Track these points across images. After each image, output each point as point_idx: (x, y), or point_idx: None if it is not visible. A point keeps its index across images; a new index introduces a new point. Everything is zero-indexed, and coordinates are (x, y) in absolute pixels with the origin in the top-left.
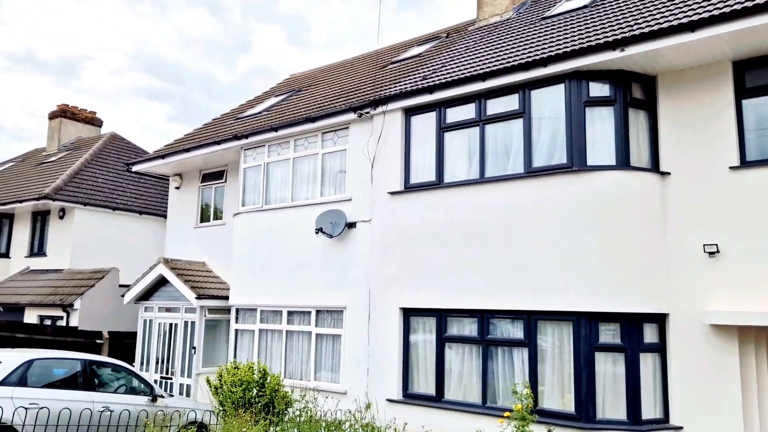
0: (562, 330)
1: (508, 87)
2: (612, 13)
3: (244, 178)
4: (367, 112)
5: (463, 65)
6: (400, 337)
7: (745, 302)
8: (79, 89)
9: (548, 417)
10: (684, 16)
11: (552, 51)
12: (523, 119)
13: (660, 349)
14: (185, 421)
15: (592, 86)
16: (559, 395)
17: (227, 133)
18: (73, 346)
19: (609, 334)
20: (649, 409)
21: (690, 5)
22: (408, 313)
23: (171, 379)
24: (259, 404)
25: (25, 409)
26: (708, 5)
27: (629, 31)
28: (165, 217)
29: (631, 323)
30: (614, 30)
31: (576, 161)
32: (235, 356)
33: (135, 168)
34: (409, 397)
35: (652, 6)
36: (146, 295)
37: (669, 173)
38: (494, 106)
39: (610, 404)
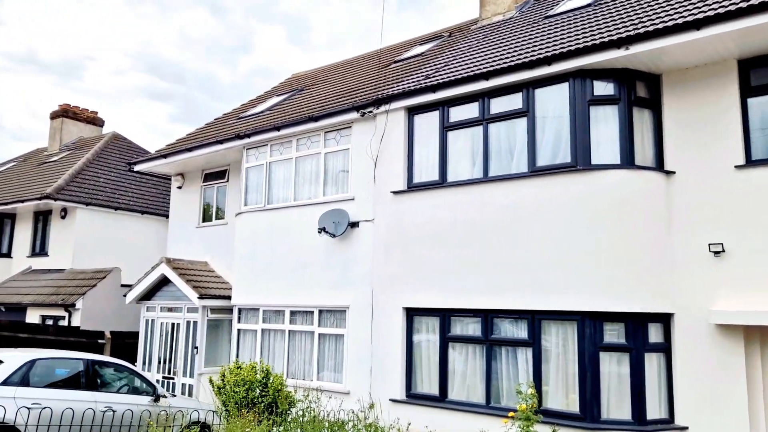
0: (567, 330)
1: (512, 86)
2: (616, 11)
3: (246, 178)
4: (370, 111)
5: (467, 64)
6: (404, 336)
7: (751, 302)
8: (81, 89)
9: (552, 417)
10: (689, 14)
11: (556, 49)
12: (527, 118)
13: (665, 348)
14: (188, 421)
15: (596, 85)
16: (563, 395)
17: (230, 133)
18: (75, 346)
19: (614, 333)
20: (654, 410)
21: (695, 3)
22: (411, 313)
23: (173, 379)
24: (262, 404)
25: (28, 409)
26: (713, 3)
27: (634, 29)
28: (167, 216)
29: (636, 323)
30: (618, 28)
31: (580, 160)
32: (237, 356)
33: (137, 167)
34: (413, 397)
35: (656, 4)
36: (148, 295)
37: (674, 172)
38: (498, 105)
39: (615, 404)
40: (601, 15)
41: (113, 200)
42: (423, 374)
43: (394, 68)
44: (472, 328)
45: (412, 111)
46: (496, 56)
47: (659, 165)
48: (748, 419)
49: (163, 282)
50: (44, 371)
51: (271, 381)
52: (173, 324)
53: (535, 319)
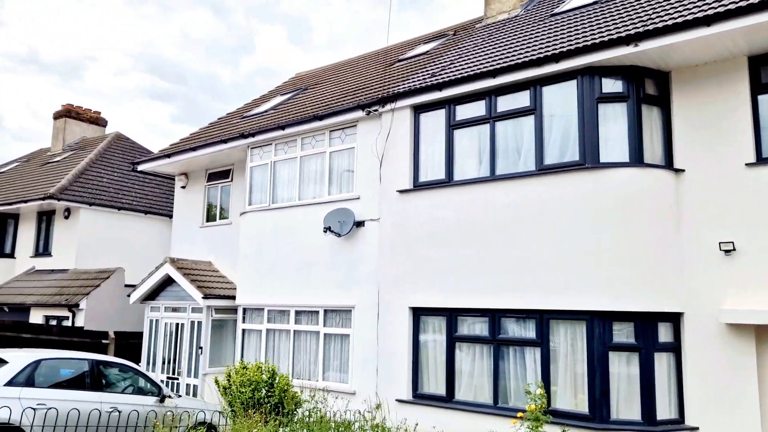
0: (575, 329)
1: (519, 84)
2: (623, 8)
3: (250, 177)
4: (376, 110)
5: (473, 62)
6: (410, 336)
7: (763, 301)
8: (82, 90)
9: (561, 417)
10: (699, 11)
11: (564, 47)
12: (535, 116)
13: (675, 348)
14: (194, 421)
15: (604, 82)
16: (572, 395)
17: (234, 132)
18: (78, 347)
19: (623, 333)
20: (664, 410)
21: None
22: (418, 313)
23: (177, 379)
24: (269, 405)
25: (33, 409)
26: None
27: (642, 26)
28: (170, 216)
29: (645, 322)
30: (626, 25)
31: (589, 158)
32: (242, 356)
33: (141, 167)
34: (419, 397)
35: (664, 1)
36: (152, 295)
37: (683, 170)
38: (505, 103)
39: (624, 404)
40: (608, 12)
41: (117, 200)
42: (430, 374)
43: (398, 67)
44: (479, 327)
45: (418, 109)
46: (502, 54)
47: (668, 163)
48: (759, 419)
49: (167, 282)
50: (49, 371)
51: (277, 381)
52: (177, 324)
53: (543, 318)
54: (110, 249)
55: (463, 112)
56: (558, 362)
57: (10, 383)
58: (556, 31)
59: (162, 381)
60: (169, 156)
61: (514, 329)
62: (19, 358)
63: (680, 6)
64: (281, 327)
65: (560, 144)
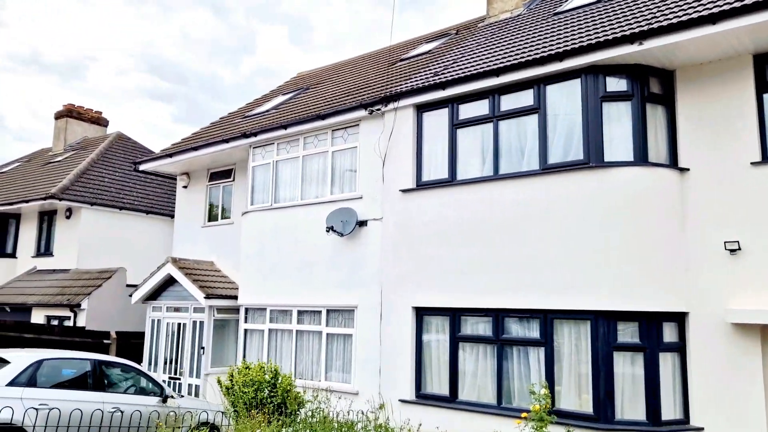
0: (579, 329)
1: (523, 82)
2: (627, 6)
3: (252, 177)
4: (378, 109)
5: (476, 61)
6: (413, 336)
7: None
8: (83, 90)
9: (565, 418)
10: (704, 9)
11: (567, 45)
12: (538, 115)
13: (680, 348)
14: (197, 422)
15: (609, 81)
16: (576, 395)
17: (236, 132)
18: (80, 347)
19: (627, 333)
20: (669, 410)
21: None
22: (421, 313)
23: (179, 379)
24: (272, 405)
25: (35, 409)
26: None
27: (647, 24)
28: (172, 216)
29: (650, 322)
30: (630, 24)
31: (593, 157)
32: (244, 356)
33: (142, 167)
34: (423, 397)
35: None
36: (154, 295)
37: (688, 169)
38: (508, 102)
39: (629, 405)
40: (612, 11)
41: (118, 200)
42: (433, 374)
43: (401, 66)
44: (482, 327)
45: (421, 108)
46: (505, 53)
47: (673, 162)
48: (765, 420)
49: (169, 282)
50: (51, 372)
51: (279, 381)
52: (179, 324)
53: (547, 318)
54: (112, 249)
55: (466, 111)
56: (562, 362)
57: (12, 383)
58: (560, 30)
59: (164, 381)
60: (170, 156)
61: (517, 329)
62: (21, 358)
63: (685, 4)
64: (284, 327)
65: (564, 143)
